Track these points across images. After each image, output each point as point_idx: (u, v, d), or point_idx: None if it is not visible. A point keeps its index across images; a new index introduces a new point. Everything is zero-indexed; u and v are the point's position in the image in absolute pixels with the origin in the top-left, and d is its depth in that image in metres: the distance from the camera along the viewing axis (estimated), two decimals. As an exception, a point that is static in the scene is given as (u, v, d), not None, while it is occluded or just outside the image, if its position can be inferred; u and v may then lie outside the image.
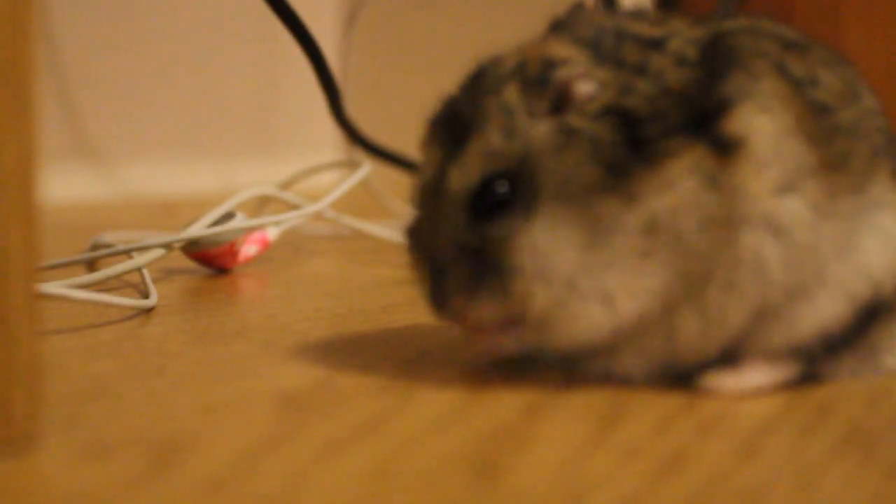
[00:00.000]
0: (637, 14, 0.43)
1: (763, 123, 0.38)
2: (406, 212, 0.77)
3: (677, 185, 0.38)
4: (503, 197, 0.39)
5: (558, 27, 0.42)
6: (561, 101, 0.39)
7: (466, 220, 0.40)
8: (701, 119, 0.38)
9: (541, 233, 0.38)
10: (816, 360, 0.41)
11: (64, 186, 1.12)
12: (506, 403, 0.39)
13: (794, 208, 0.39)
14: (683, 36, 0.41)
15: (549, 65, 0.40)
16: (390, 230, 0.81)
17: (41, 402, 0.33)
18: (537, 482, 0.31)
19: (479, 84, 0.41)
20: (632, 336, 0.40)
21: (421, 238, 0.41)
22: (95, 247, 0.67)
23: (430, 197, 0.41)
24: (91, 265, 0.66)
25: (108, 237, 0.70)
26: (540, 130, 0.39)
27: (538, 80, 0.39)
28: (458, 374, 0.43)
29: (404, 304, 0.57)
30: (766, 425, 0.37)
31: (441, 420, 0.37)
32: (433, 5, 1.41)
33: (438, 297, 0.41)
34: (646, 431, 0.36)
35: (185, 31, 1.26)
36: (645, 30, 0.41)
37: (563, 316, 0.39)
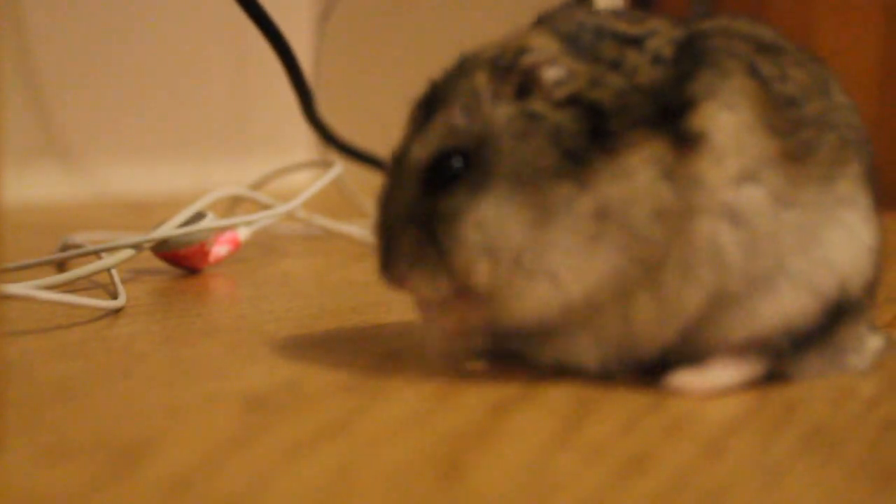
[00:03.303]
0: (620, 13, 0.43)
1: (726, 118, 0.39)
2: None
3: (633, 175, 0.39)
4: (456, 172, 0.40)
5: (542, 21, 0.43)
6: (527, 86, 0.41)
7: (419, 190, 0.41)
8: (667, 115, 0.39)
9: (488, 209, 0.40)
10: (783, 358, 0.41)
11: (35, 186, 1.11)
12: (472, 403, 0.39)
13: (753, 196, 0.39)
14: (663, 35, 0.42)
15: (520, 52, 0.41)
16: (362, 230, 0.81)
17: (4, 405, 0.33)
18: (501, 483, 0.31)
19: (458, 68, 0.42)
20: (586, 319, 0.41)
21: (381, 206, 0.43)
22: (65, 247, 0.67)
23: (394, 167, 0.43)
24: (61, 265, 0.65)
25: (78, 237, 0.69)
26: (501, 112, 0.40)
27: (507, 66, 0.41)
28: (425, 374, 0.43)
29: (374, 305, 0.57)
30: (732, 425, 0.37)
31: (407, 420, 0.37)
32: (405, 6, 1.41)
33: (385, 263, 0.42)
34: (611, 431, 0.36)
35: (158, 30, 1.26)
36: (625, 28, 0.42)
37: (509, 293, 0.40)
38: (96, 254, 0.60)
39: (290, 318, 0.54)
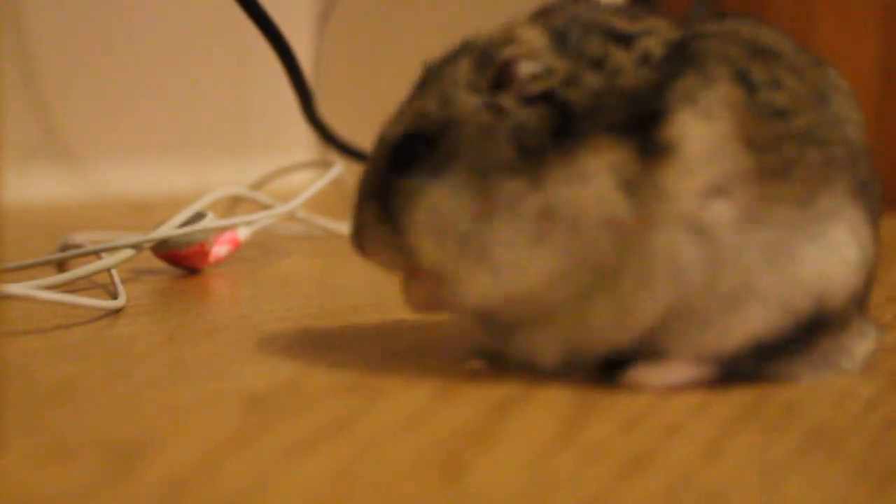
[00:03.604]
0: (622, 9, 0.42)
1: (700, 129, 0.38)
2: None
3: (587, 181, 0.39)
4: (418, 154, 0.42)
5: (539, 13, 0.43)
6: (502, 79, 0.41)
7: (386, 168, 0.43)
8: (641, 121, 0.39)
9: (440, 195, 0.41)
10: (751, 365, 0.41)
11: (35, 186, 1.11)
12: (472, 403, 0.39)
13: (721, 212, 0.38)
14: (658, 35, 0.41)
15: (504, 43, 0.41)
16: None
17: (4, 405, 0.33)
18: (501, 483, 0.31)
19: (453, 53, 0.43)
20: (544, 317, 0.41)
21: (360, 178, 0.45)
22: (65, 247, 0.67)
23: (376, 143, 0.44)
24: (61, 266, 0.65)
25: (78, 237, 0.69)
26: (470, 102, 0.41)
27: (488, 56, 0.41)
28: (425, 374, 0.43)
29: (375, 305, 0.57)
30: (732, 425, 0.37)
31: (407, 420, 0.37)
32: (406, 6, 1.41)
33: (352, 231, 0.45)
34: (611, 431, 0.36)
35: (159, 30, 1.26)
36: (620, 24, 0.41)
37: (453, 277, 0.41)
38: (96, 254, 0.60)
39: (291, 318, 0.54)
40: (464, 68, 0.42)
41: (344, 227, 0.79)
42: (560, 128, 0.39)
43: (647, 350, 0.41)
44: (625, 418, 0.38)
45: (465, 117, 0.41)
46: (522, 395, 0.40)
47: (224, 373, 0.43)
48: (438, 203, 0.41)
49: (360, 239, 0.44)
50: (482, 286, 0.41)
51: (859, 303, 0.42)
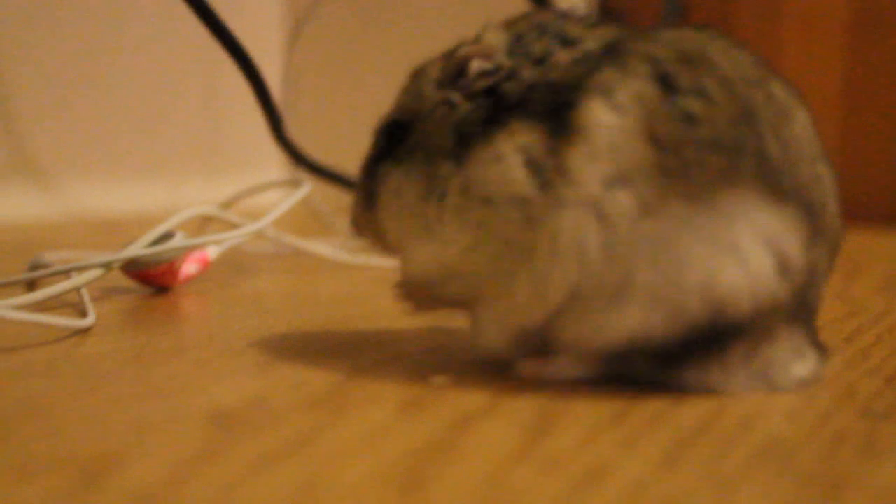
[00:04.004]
0: (587, 20, 0.46)
1: (608, 119, 0.41)
2: (346, 230, 0.77)
3: (500, 161, 0.42)
4: (393, 142, 0.47)
5: (512, 20, 0.46)
6: (457, 74, 0.45)
7: (372, 156, 0.48)
8: (559, 108, 0.42)
9: (399, 178, 0.46)
10: (637, 366, 0.43)
11: (5, 205, 1.12)
12: (435, 418, 0.40)
13: (620, 200, 0.40)
14: (604, 39, 0.44)
15: (466, 44, 0.46)
16: (332, 248, 0.82)
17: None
18: (461, 496, 0.32)
19: (435, 56, 0.48)
20: (475, 291, 0.45)
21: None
22: (34, 267, 0.67)
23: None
24: (31, 285, 0.66)
25: (48, 256, 0.70)
26: (432, 97, 0.46)
27: (450, 55, 0.46)
28: (390, 389, 0.44)
29: (343, 321, 0.58)
30: (688, 438, 0.38)
31: (370, 435, 0.38)
32: (376, 25, 1.42)
33: (351, 212, 0.50)
34: (571, 443, 0.37)
35: (131, 51, 1.26)
36: (572, 30, 0.45)
37: (405, 252, 0.47)
38: (66, 273, 0.61)
39: (259, 335, 0.55)
40: (435, 66, 0.47)
41: (313, 246, 0.80)
42: (490, 116, 0.44)
43: (547, 341, 0.44)
44: (585, 430, 0.38)
45: (428, 110, 0.46)
46: (486, 409, 0.41)
47: (191, 389, 0.44)
48: (397, 185, 0.46)
49: (353, 219, 0.50)
50: (421, 258, 0.46)
51: (790, 317, 0.42)
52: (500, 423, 0.40)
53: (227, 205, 0.87)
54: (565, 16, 0.46)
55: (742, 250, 0.40)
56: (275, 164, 1.38)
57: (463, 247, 0.44)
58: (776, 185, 0.41)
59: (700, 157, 0.41)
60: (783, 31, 1.35)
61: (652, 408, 0.41)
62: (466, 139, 0.44)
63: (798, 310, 0.43)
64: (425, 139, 0.46)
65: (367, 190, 0.48)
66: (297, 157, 0.90)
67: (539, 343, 0.44)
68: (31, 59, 1.15)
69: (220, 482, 0.33)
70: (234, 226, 0.72)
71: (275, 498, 0.32)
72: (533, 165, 0.42)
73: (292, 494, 0.32)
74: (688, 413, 0.41)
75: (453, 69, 0.45)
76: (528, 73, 0.44)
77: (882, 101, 1.31)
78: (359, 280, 0.75)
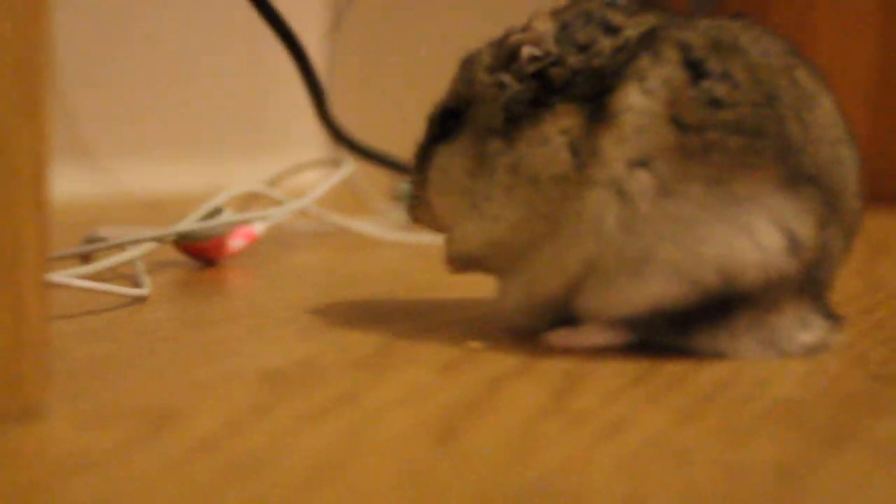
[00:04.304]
0: (628, 8, 0.49)
1: (640, 103, 0.44)
2: (387, 209, 0.81)
3: (547, 142, 0.45)
4: (446, 126, 0.50)
5: (560, 8, 0.49)
6: (509, 60, 0.48)
7: (426, 142, 0.51)
8: (600, 93, 0.45)
9: (447, 156, 0.49)
10: (660, 332, 0.45)
11: (57, 185, 1.15)
12: (471, 378, 0.43)
13: (642, 180, 0.43)
14: (643, 26, 0.47)
15: (517, 31, 0.48)
16: (373, 226, 0.85)
17: (48, 376, 0.37)
18: (491, 444, 0.35)
19: (483, 46, 0.50)
20: (512, 262, 0.48)
21: None
22: (91, 241, 0.70)
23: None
24: (85, 259, 0.69)
25: (103, 232, 0.73)
26: (484, 81, 0.49)
27: (501, 42, 0.49)
28: (429, 353, 0.46)
29: (384, 293, 0.61)
30: (706, 397, 0.41)
31: (411, 394, 0.41)
32: (419, 6, 1.44)
33: (407, 205, 0.53)
34: (596, 400, 0.40)
35: (176, 33, 1.29)
36: (615, 18, 0.48)
37: (455, 230, 0.50)
38: (121, 246, 0.64)
39: (304, 305, 0.58)
40: (486, 54, 0.49)
41: (354, 224, 0.83)
42: (537, 98, 0.46)
43: (573, 312, 0.47)
44: (609, 390, 0.41)
45: (479, 93, 0.49)
46: (518, 370, 0.44)
47: (243, 352, 0.47)
48: (445, 163, 0.49)
49: (410, 207, 0.53)
50: (468, 233, 0.49)
51: (799, 290, 0.45)
52: (531, 382, 0.42)
53: (271, 183, 0.90)
54: (609, 4, 0.49)
55: (756, 231, 0.43)
56: (315, 143, 1.40)
57: (512, 223, 0.47)
58: (795, 166, 0.44)
59: (722, 139, 0.43)
60: (817, 16, 1.37)
61: (672, 370, 0.44)
62: (516, 119, 0.47)
63: (806, 284, 0.45)
64: (476, 119, 0.48)
65: (420, 174, 0.51)
66: (340, 136, 0.93)
67: (567, 314, 0.47)
68: (77, 42, 1.18)
69: (271, 433, 0.36)
70: (278, 203, 0.75)
71: (321, 446, 0.35)
72: (573, 147, 0.45)
73: (337, 444, 0.35)
74: (706, 375, 0.43)
75: (505, 55, 0.48)
76: (574, 60, 0.47)
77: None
78: (399, 256, 0.78)
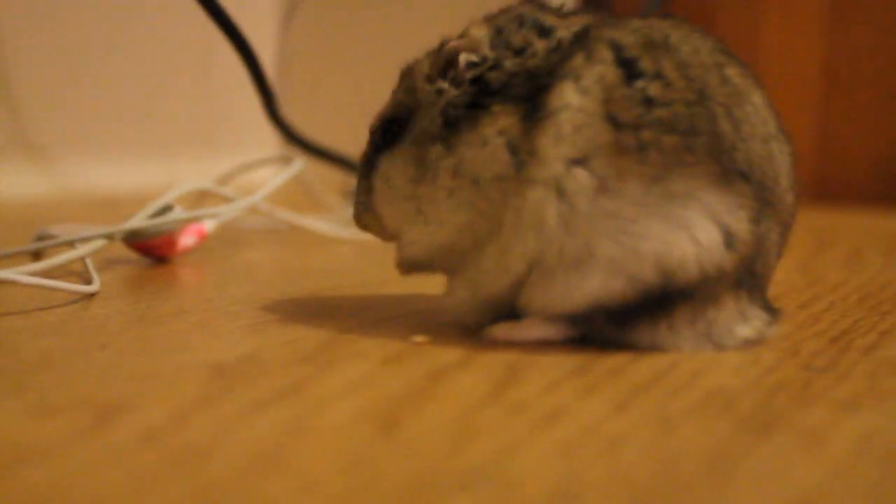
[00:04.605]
0: (559, 9, 0.50)
1: (576, 101, 0.45)
2: (338, 206, 0.82)
3: (486, 143, 0.46)
4: (389, 135, 0.51)
5: (494, 14, 0.50)
6: (447, 68, 0.49)
7: (370, 149, 0.52)
8: (535, 92, 0.46)
9: (390, 164, 0.50)
10: (600, 327, 0.47)
11: (7, 183, 1.15)
12: (414, 371, 0.44)
13: (580, 177, 0.44)
14: (574, 27, 0.48)
15: (453, 38, 0.49)
16: (324, 223, 0.85)
17: (-5, 369, 0.38)
18: (431, 433, 0.36)
19: (423, 55, 0.52)
20: (459, 263, 0.49)
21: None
22: (41, 238, 0.71)
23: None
24: (36, 256, 0.69)
25: (54, 229, 0.73)
26: (423, 89, 0.50)
27: (439, 50, 0.50)
28: (374, 347, 0.47)
29: (331, 289, 0.62)
30: (641, 387, 0.42)
31: (354, 386, 0.42)
32: (369, 6, 1.45)
33: (353, 210, 0.54)
34: (535, 391, 0.41)
35: (127, 30, 1.29)
36: (549, 20, 0.49)
37: (402, 237, 0.51)
38: (71, 244, 0.64)
39: (253, 301, 0.59)
40: (424, 63, 0.50)
41: (305, 221, 0.84)
42: (475, 102, 0.47)
43: (518, 308, 0.47)
44: (547, 381, 0.42)
45: (420, 101, 0.50)
46: (459, 363, 0.45)
47: (190, 347, 0.48)
48: (388, 171, 0.50)
49: (355, 214, 0.54)
50: (415, 239, 0.50)
51: (736, 284, 0.46)
52: (472, 374, 0.43)
53: (222, 181, 0.90)
54: (542, 7, 0.50)
55: (692, 226, 0.44)
56: (267, 142, 1.41)
57: (456, 226, 0.48)
58: (728, 162, 0.45)
59: (657, 138, 0.44)
60: (763, 17, 1.39)
61: (611, 363, 0.45)
62: (454, 123, 0.48)
63: (744, 278, 0.46)
64: (415, 127, 0.49)
65: (365, 184, 0.52)
66: (290, 134, 0.94)
67: (510, 311, 0.48)
68: (30, 40, 1.18)
69: (216, 424, 0.37)
70: (229, 201, 0.76)
71: (266, 436, 0.36)
72: (511, 147, 0.46)
73: (281, 433, 0.36)
74: (643, 367, 0.45)
75: (443, 63, 0.49)
76: (510, 63, 0.48)
77: (859, 86, 1.35)
78: (348, 253, 0.79)
